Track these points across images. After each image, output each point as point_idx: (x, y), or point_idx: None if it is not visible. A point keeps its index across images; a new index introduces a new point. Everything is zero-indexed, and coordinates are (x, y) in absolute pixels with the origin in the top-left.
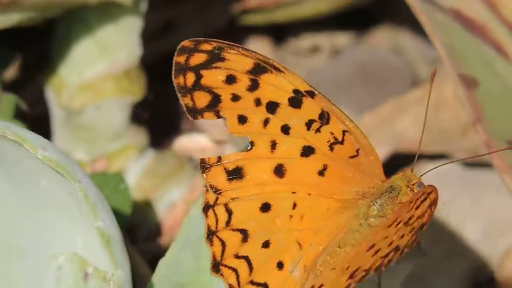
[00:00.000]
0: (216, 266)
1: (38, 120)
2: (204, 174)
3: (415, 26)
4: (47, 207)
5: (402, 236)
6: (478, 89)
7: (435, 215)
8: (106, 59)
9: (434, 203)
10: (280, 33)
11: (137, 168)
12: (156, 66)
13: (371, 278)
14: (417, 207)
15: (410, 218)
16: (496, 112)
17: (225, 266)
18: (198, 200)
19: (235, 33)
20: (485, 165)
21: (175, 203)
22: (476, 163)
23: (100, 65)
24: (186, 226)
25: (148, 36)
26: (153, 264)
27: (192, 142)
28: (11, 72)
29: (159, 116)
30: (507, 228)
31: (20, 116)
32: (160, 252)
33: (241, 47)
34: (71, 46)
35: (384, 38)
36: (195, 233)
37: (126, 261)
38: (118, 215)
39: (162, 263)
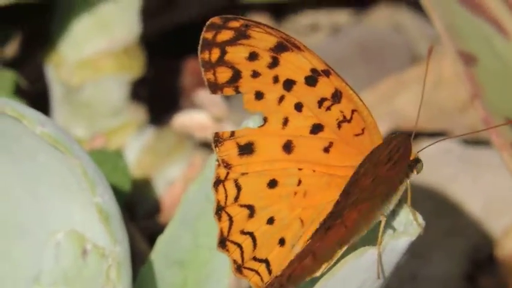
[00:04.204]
0: (223, 242)
1: (37, 97)
2: (217, 148)
3: (414, 3)
4: (45, 184)
5: None
6: (476, 65)
7: (436, 192)
8: (105, 35)
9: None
10: (279, 11)
11: (136, 146)
12: (156, 42)
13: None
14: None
15: None
16: (494, 89)
17: (231, 241)
18: (196, 178)
19: (235, 10)
20: (485, 143)
21: (174, 180)
22: (476, 141)
23: (99, 42)
24: (184, 204)
25: (148, 13)
26: (152, 241)
27: (192, 119)
28: (11, 48)
29: (159, 93)
30: (507, 206)
31: (19, 92)
32: (160, 230)
33: (267, 26)
34: (71, 23)
35: (383, 16)
36: (193, 210)
37: (124, 237)
38: (117, 192)
39: (160, 240)
